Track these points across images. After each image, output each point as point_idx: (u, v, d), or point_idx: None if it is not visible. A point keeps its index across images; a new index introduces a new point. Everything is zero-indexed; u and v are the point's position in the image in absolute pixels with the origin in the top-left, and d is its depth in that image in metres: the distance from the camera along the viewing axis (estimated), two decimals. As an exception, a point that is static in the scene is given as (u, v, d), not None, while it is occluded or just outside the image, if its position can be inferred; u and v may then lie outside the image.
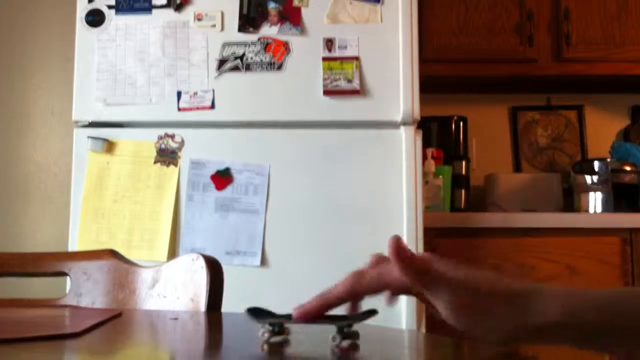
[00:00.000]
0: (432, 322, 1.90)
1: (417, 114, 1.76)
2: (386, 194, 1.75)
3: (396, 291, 0.59)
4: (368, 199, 1.75)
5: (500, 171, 2.61)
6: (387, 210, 1.74)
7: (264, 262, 1.73)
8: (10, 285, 1.27)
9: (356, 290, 0.59)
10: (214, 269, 0.86)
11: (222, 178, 1.76)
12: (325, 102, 1.78)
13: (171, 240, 1.73)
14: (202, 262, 0.86)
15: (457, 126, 2.52)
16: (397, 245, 0.56)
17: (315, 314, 0.58)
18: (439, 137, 2.49)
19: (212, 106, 1.78)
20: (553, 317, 0.55)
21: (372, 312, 0.58)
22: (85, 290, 0.95)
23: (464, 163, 2.46)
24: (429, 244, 1.93)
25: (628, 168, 2.27)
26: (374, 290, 0.59)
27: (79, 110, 1.79)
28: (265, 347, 0.55)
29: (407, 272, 0.56)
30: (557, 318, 0.55)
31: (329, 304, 0.59)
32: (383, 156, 1.76)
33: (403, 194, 1.73)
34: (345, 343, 0.54)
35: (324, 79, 1.77)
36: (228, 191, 1.76)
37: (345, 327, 0.55)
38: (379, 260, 0.62)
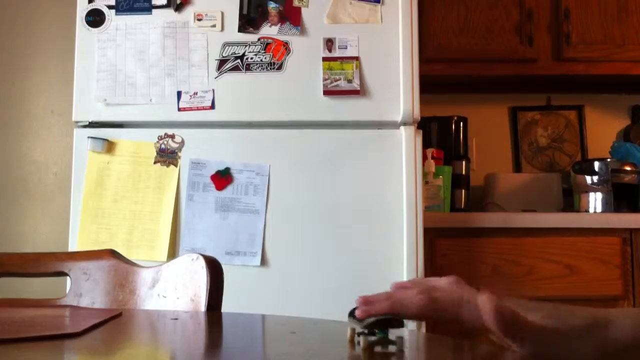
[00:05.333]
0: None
1: (417, 114, 1.76)
2: (386, 194, 1.75)
3: (465, 325, 0.61)
4: (368, 199, 1.75)
5: (500, 171, 2.61)
6: (387, 210, 1.74)
7: (264, 262, 1.73)
8: (10, 285, 1.27)
9: (427, 313, 0.60)
10: (214, 269, 0.86)
11: (222, 178, 1.76)
12: (325, 102, 1.78)
13: (171, 240, 1.73)
14: (202, 262, 0.86)
15: (457, 126, 2.52)
16: (495, 308, 0.56)
17: (377, 313, 0.59)
18: (439, 137, 2.49)
19: (212, 106, 1.78)
20: (626, 339, 0.60)
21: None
22: (85, 290, 0.95)
23: (464, 163, 2.46)
24: (429, 244, 1.93)
25: (628, 168, 2.27)
26: (444, 318, 0.60)
27: (79, 110, 1.79)
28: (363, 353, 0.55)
29: (501, 327, 0.56)
30: (630, 341, 0.60)
31: (398, 312, 0.60)
32: (383, 156, 1.76)
33: (403, 194, 1.73)
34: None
35: (324, 79, 1.77)
36: (228, 191, 1.76)
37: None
38: (453, 282, 0.64)
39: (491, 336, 0.59)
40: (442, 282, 0.64)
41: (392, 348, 0.55)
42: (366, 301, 0.60)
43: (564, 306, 0.63)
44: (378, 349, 0.55)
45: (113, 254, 0.98)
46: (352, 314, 0.59)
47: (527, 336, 0.57)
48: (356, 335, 0.57)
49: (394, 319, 0.58)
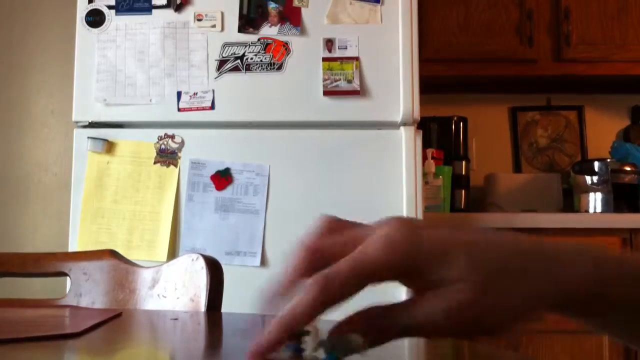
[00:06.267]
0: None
1: (417, 114, 1.76)
2: (386, 194, 1.75)
3: (383, 278, 0.40)
4: (368, 199, 1.75)
5: (500, 171, 2.61)
6: (387, 210, 1.74)
7: (264, 262, 1.73)
8: (10, 285, 1.27)
9: (327, 305, 0.40)
10: (214, 269, 0.86)
11: (222, 178, 1.76)
12: (325, 103, 1.78)
13: (171, 240, 1.73)
14: (202, 262, 0.86)
15: (457, 126, 2.52)
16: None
17: (278, 346, 0.41)
18: (439, 137, 2.49)
19: (212, 106, 1.78)
20: (580, 285, 0.40)
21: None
22: (85, 291, 0.95)
23: (464, 163, 2.46)
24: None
25: (628, 168, 2.27)
26: (354, 290, 0.40)
27: (79, 110, 1.79)
28: None
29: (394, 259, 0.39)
30: (587, 287, 0.40)
31: (293, 329, 0.41)
32: (383, 156, 1.76)
33: (403, 194, 1.73)
34: None
35: (324, 79, 1.77)
36: (228, 191, 1.76)
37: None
38: (333, 226, 0.45)
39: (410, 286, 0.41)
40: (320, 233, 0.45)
41: None
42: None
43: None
44: None
45: (113, 254, 0.98)
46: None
47: (459, 251, 0.39)
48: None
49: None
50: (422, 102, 1.79)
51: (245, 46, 1.79)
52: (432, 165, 2.23)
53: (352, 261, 0.40)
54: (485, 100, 2.69)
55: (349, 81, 1.77)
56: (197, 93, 1.78)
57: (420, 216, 1.73)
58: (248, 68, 1.79)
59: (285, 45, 1.79)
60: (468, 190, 2.47)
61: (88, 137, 1.77)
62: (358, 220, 0.46)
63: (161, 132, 1.78)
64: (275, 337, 0.41)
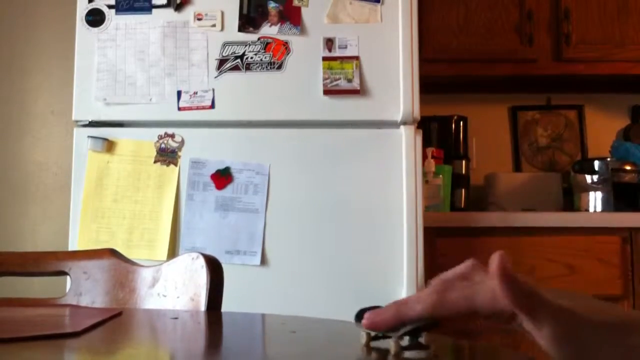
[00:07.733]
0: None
1: (417, 114, 1.76)
2: (386, 194, 1.75)
3: (484, 317, 0.51)
4: (368, 198, 1.75)
5: (500, 171, 2.61)
6: (387, 210, 1.74)
7: (264, 261, 1.73)
8: (10, 285, 1.27)
9: (438, 312, 0.51)
10: (214, 269, 0.86)
11: (222, 177, 1.76)
12: (325, 102, 1.78)
13: (171, 239, 1.74)
14: (202, 262, 0.86)
15: (457, 126, 2.52)
16: (503, 264, 0.48)
17: (387, 327, 0.52)
18: (439, 136, 2.49)
19: (212, 106, 1.78)
20: None
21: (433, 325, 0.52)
22: (85, 290, 0.95)
23: (464, 163, 2.46)
24: (429, 244, 1.93)
25: (628, 168, 2.27)
26: (458, 314, 0.50)
27: (79, 110, 1.79)
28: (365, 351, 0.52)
29: (511, 295, 0.48)
30: None
31: (405, 321, 0.52)
32: (383, 156, 1.76)
33: (403, 194, 1.73)
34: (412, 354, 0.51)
35: (324, 79, 1.77)
36: (228, 191, 1.76)
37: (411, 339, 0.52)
38: (469, 270, 0.54)
39: (505, 324, 0.51)
40: (458, 272, 0.55)
41: (423, 353, 0.51)
42: (374, 313, 0.54)
43: (596, 300, 0.53)
44: (410, 354, 0.51)
45: (113, 253, 0.98)
46: (359, 316, 0.55)
47: (548, 313, 0.48)
48: (372, 339, 0.53)
49: (427, 323, 0.52)
50: (422, 102, 1.79)
51: (245, 45, 1.79)
52: (432, 165, 2.23)
53: (466, 294, 0.51)
54: (485, 99, 2.69)
55: (349, 80, 1.77)
56: (197, 92, 1.78)
57: (420, 215, 1.73)
58: (248, 67, 1.79)
59: (285, 44, 1.79)
60: (468, 189, 2.47)
61: (88, 136, 1.77)
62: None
63: (161, 131, 1.78)
64: (389, 319, 0.51)
